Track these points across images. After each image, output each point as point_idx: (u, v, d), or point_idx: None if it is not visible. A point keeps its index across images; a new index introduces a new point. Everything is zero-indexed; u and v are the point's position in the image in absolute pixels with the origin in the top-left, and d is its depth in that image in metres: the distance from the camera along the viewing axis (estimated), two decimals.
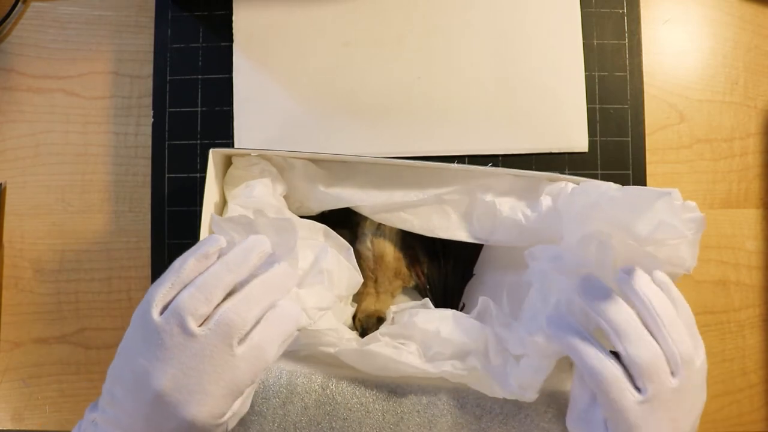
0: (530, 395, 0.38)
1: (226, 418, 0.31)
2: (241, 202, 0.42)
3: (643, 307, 0.32)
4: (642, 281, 0.33)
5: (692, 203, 0.34)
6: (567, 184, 0.42)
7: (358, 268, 0.45)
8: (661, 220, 0.34)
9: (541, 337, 0.36)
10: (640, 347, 0.31)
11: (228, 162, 0.45)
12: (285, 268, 0.34)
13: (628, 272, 0.34)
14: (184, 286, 0.31)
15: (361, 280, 0.46)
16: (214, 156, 0.42)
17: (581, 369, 0.33)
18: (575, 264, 0.37)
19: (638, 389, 0.32)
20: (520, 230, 0.44)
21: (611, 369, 0.32)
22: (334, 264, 0.43)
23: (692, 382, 0.33)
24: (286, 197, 0.47)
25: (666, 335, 0.32)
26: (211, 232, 0.42)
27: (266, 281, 0.33)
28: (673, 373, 0.32)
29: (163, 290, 0.31)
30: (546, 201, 0.42)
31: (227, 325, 0.30)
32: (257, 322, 0.32)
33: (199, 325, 0.30)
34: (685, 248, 0.35)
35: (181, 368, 0.30)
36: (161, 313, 0.30)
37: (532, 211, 0.43)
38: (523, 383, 0.38)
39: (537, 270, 0.41)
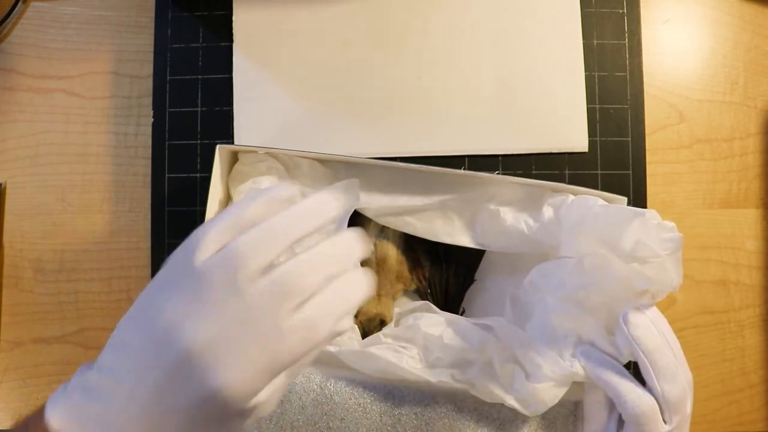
0: (535, 410, 0.39)
1: (254, 402, 0.25)
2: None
3: (659, 332, 0.35)
4: (660, 319, 0.35)
5: (670, 223, 0.36)
6: (568, 196, 0.43)
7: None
8: (638, 240, 0.35)
9: (574, 367, 0.38)
10: (674, 385, 0.34)
11: (233, 159, 0.45)
12: (357, 235, 0.28)
13: (643, 308, 0.36)
14: (243, 232, 0.26)
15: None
16: (221, 152, 0.42)
17: (618, 402, 0.35)
18: (578, 290, 0.39)
19: (664, 421, 0.34)
20: (522, 238, 0.44)
21: (649, 403, 0.34)
22: None
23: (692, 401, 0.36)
24: None
25: (679, 367, 0.35)
26: None
27: (337, 244, 0.27)
28: (687, 400, 0.35)
29: (218, 230, 0.26)
30: (548, 212, 0.43)
31: (287, 285, 0.25)
32: (316, 292, 0.26)
33: (254, 281, 0.25)
34: (670, 266, 0.36)
35: (220, 326, 0.24)
36: (209, 258, 0.25)
37: (534, 221, 0.44)
38: (530, 399, 0.39)
39: (542, 303, 0.42)
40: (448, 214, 0.46)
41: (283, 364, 0.26)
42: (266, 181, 0.43)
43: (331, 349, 0.41)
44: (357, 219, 0.50)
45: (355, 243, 0.28)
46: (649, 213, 0.36)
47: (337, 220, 0.28)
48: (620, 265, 0.36)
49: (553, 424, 0.42)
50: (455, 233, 0.46)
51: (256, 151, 0.44)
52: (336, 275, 0.27)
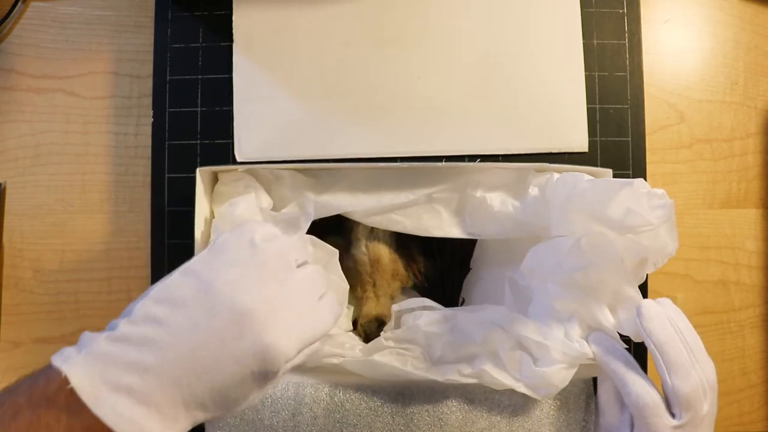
0: (546, 393, 0.39)
1: (287, 366, 0.29)
2: (224, 221, 0.43)
3: (675, 327, 0.35)
4: (678, 315, 0.35)
5: (660, 191, 0.36)
6: (553, 174, 0.43)
7: (342, 275, 0.45)
8: (628, 208, 0.35)
9: (583, 348, 0.38)
10: (685, 381, 0.34)
11: (215, 178, 0.45)
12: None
13: (660, 303, 0.36)
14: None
15: (348, 288, 0.45)
16: (202, 174, 0.42)
17: (623, 392, 0.35)
18: (576, 270, 0.38)
19: (672, 414, 0.34)
20: (512, 222, 0.44)
21: (652, 396, 0.34)
22: None
23: (715, 403, 0.35)
24: (274, 210, 0.46)
25: (697, 365, 0.34)
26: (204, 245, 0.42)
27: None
28: (704, 400, 0.34)
29: (265, 229, 0.32)
30: (534, 192, 0.43)
31: (318, 276, 0.32)
32: (327, 291, 0.34)
33: (299, 266, 0.32)
34: (664, 233, 0.36)
35: (275, 295, 0.29)
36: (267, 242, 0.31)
37: (522, 203, 0.44)
38: (540, 383, 0.39)
39: (543, 287, 0.41)
40: (435, 208, 0.46)
41: (313, 338, 0.31)
42: (242, 202, 0.43)
43: (335, 360, 0.41)
44: (344, 223, 0.50)
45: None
46: (638, 182, 0.36)
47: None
48: (617, 239, 0.36)
49: (565, 404, 0.42)
50: (444, 226, 0.46)
51: (236, 170, 0.44)
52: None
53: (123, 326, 0.27)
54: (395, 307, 0.47)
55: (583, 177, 0.40)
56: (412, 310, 0.48)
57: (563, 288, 0.40)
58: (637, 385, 0.35)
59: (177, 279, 0.29)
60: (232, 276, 0.29)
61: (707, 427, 0.35)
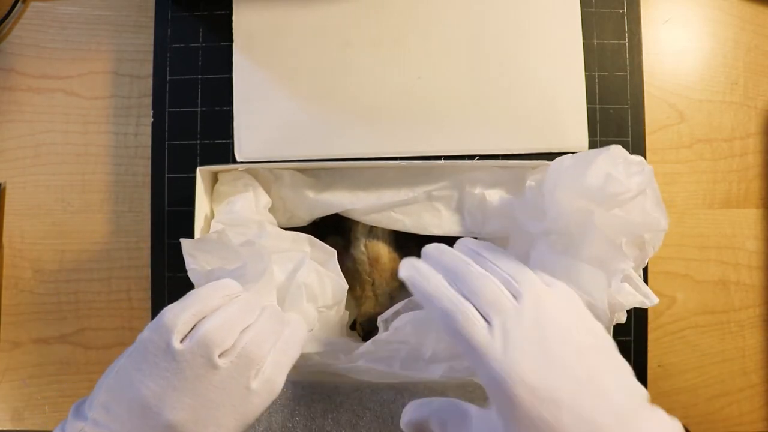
0: None
1: None
2: (222, 219, 0.43)
3: (467, 250, 0.34)
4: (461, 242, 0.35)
5: (638, 158, 0.36)
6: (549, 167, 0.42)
7: (341, 275, 0.44)
8: (607, 174, 0.35)
9: None
10: (473, 282, 0.31)
11: (215, 177, 0.45)
12: (278, 311, 0.35)
13: (438, 249, 0.35)
14: (204, 317, 0.31)
15: (346, 287, 0.45)
16: (202, 174, 0.42)
17: (434, 314, 0.31)
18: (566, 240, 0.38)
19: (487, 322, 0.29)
20: (511, 220, 0.44)
21: (462, 307, 0.30)
22: (314, 277, 0.42)
23: (549, 303, 0.30)
24: (273, 210, 0.46)
25: (492, 265, 0.32)
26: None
27: (273, 314, 0.34)
28: (515, 298, 0.30)
29: (185, 317, 0.30)
30: (531, 187, 0.43)
31: (248, 358, 0.31)
32: (268, 355, 0.32)
33: (225, 357, 0.30)
34: (651, 207, 0.35)
35: (198, 400, 0.29)
36: (181, 340, 0.30)
37: (520, 200, 0.44)
38: None
39: (539, 257, 0.41)
40: (434, 206, 0.46)
41: (250, 422, 0.31)
42: (240, 200, 0.43)
43: (329, 369, 0.41)
44: (344, 223, 0.50)
45: (281, 316, 0.35)
46: (614, 148, 0.36)
47: (262, 308, 0.34)
48: (604, 215, 0.35)
49: None
50: (444, 224, 0.46)
51: (236, 169, 0.44)
52: (276, 339, 0.33)
53: (90, 427, 0.30)
54: (381, 318, 0.45)
55: (567, 156, 0.40)
56: (398, 313, 0.47)
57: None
58: (445, 300, 0.30)
59: (112, 384, 0.30)
60: (155, 388, 0.29)
61: (540, 327, 0.29)
